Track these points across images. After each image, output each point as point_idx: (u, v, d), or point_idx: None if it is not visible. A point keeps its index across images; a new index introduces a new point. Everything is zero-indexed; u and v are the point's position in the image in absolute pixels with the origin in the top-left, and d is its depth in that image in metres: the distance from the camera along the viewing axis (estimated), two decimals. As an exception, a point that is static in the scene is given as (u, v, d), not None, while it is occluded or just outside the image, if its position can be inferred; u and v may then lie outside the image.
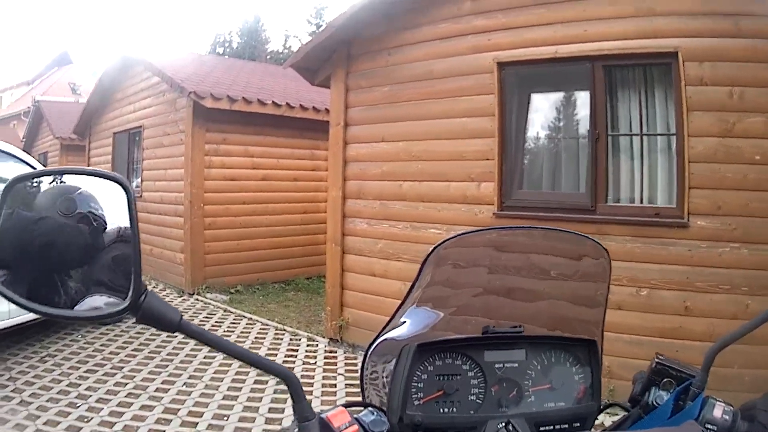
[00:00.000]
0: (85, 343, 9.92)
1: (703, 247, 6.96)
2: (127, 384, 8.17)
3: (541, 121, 8.50)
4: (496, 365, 1.98)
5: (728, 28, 6.88)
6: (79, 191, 1.38)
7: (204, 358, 9.29)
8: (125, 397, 7.74)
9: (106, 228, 1.35)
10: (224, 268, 14.23)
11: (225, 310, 12.42)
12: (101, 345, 9.88)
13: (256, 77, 18.10)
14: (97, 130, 19.88)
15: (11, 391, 7.76)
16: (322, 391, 8.22)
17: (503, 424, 1.81)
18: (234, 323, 11.51)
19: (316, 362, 9.39)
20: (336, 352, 9.82)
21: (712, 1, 7.00)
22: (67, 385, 8.02)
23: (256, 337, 10.62)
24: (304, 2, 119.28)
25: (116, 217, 1.33)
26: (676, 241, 7.10)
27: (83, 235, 1.35)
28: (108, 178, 1.35)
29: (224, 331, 10.85)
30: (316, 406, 7.61)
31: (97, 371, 8.63)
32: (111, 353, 9.47)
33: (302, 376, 8.63)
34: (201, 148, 13.88)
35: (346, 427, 1.45)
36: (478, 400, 1.94)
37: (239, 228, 14.53)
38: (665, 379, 1.89)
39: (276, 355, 9.56)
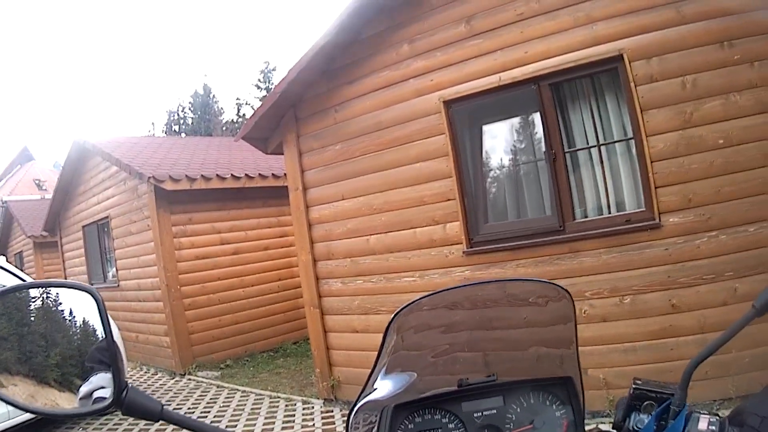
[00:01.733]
0: None
1: (679, 243, 6.88)
2: None
3: (497, 150, 8.41)
4: (475, 414, 1.97)
5: (671, 17, 6.82)
6: (59, 303, 1.44)
7: None
8: None
9: (88, 326, 1.41)
10: (211, 345, 14.09)
11: (218, 386, 12.30)
12: None
13: (213, 152, 18.04)
14: (66, 225, 19.79)
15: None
16: None
17: None
18: (228, 397, 11.38)
19: (314, 424, 9.26)
20: (332, 411, 9.70)
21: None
22: None
23: (252, 408, 10.44)
24: (250, 66, 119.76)
25: (94, 317, 1.40)
26: (652, 242, 7.01)
27: (68, 332, 1.42)
28: (77, 289, 1.41)
29: (220, 406, 10.77)
30: None
31: None
32: None
33: None
34: (168, 230, 13.79)
35: None
36: None
37: (218, 304, 14.39)
38: (646, 402, 1.79)
39: (274, 422, 9.49)
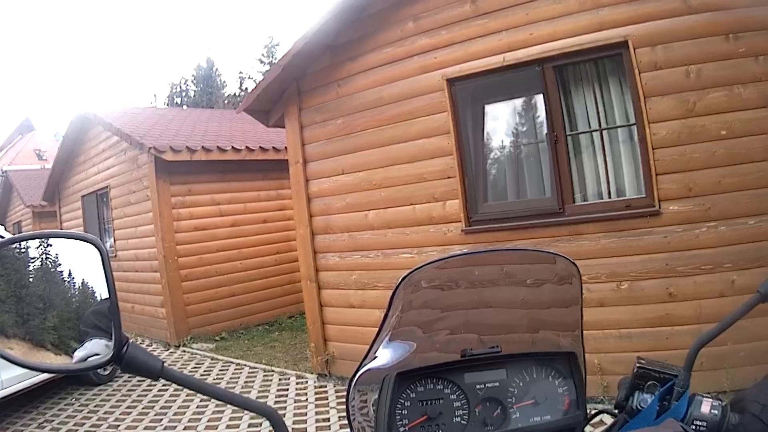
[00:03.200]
0: (79, 406, 9.80)
1: (678, 231, 6.84)
2: None
3: (499, 131, 8.36)
4: (477, 386, 1.96)
5: (677, 6, 6.78)
6: (59, 258, 1.41)
7: (197, 407, 9.20)
8: None
9: (87, 286, 1.38)
10: (206, 317, 14.06)
11: (212, 358, 12.26)
12: (95, 406, 9.76)
13: (214, 124, 17.97)
14: (65, 195, 19.71)
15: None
16: (316, 427, 8.06)
17: None
18: (223, 370, 11.37)
19: (307, 399, 9.23)
20: (326, 387, 9.68)
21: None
22: None
23: (245, 381, 10.45)
24: (255, 41, 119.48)
25: (95, 276, 1.36)
26: (651, 229, 6.97)
27: (67, 294, 1.39)
28: (81, 240, 1.38)
29: (214, 378, 10.74)
30: None
31: None
32: (106, 413, 9.35)
33: (295, 414, 8.58)
34: (168, 201, 13.74)
35: None
36: (462, 422, 1.92)
37: (215, 276, 14.35)
38: (649, 382, 1.79)
39: (267, 396, 9.48)
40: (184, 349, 13.36)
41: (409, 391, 1.93)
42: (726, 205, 6.64)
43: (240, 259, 14.87)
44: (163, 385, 10.42)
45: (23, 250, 1.43)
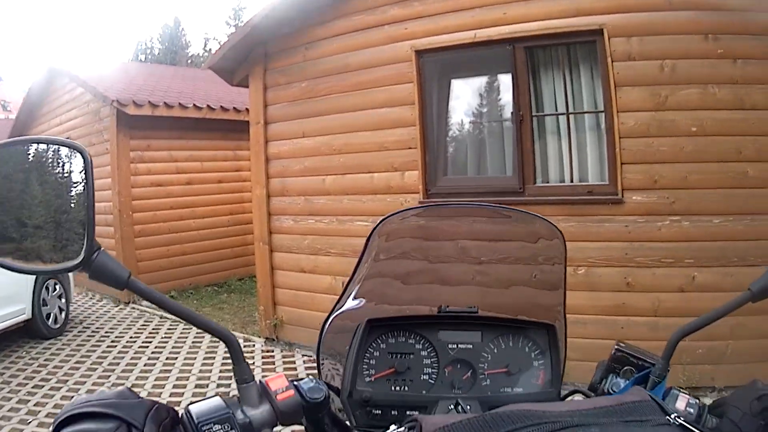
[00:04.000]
0: (29, 359, 9.73)
1: (640, 222, 6.87)
2: (73, 396, 7.88)
3: (464, 106, 8.35)
4: (450, 345, 1.96)
5: (658, 1, 6.78)
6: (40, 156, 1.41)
7: (144, 366, 9.21)
8: None
9: (65, 190, 1.38)
10: (157, 275, 13.88)
11: (161, 317, 12.18)
12: (45, 360, 9.71)
13: (178, 81, 17.87)
14: (27, 145, 19.27)
15: (-41, 413, 7.61)
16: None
17: (453, 405, 1.77)
18: (171, 329, 11.28)
19: (254, 362, 9.24)
20: (273, 351, 9.68)
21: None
22: (16, 402, 7.92)
23: (193, 341, 10.39)
24: (222, 4, 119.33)
25: (73, 181, 1.36)
26: (612, 217, 6.99)
27: (42, 196, 1.37)
28: (66, 146, 1.37)
29: (162, 337, 10.71)
30: None
31: (44, 386, 8.50)
32: (55, 367, 9.32)
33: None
34: (126, 156, 13.64)
35: (283, 391, 1.41)
36: (430, 380, 1.93)
37: (168, 233, 14.29)
38: (626, 367, 1.75)
39: (214, 358, 9.42)
40: (134, 306, 13.29)
41: (379, 341, 1.96)
42: (691, 201, 6.67)
43: (193, 218, 14.82)
44: (112, 342, 10.45)
45: (15, 155, 1.42)
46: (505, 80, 7.83)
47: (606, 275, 7.01)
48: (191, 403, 1.29)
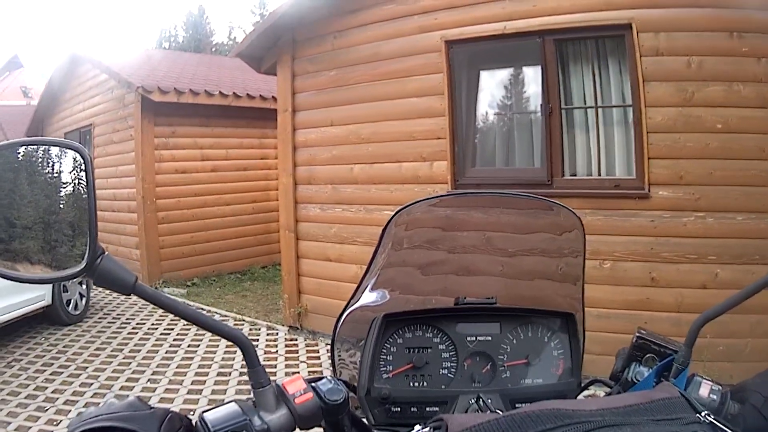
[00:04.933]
0: (48, 345, 9.69)
1: (666, 217, 6.83)
2: (92, 384, 8.01)
3: (493, 97, 8.34)
4: (468, 338, 1.90)
5: None
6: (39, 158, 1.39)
7: (166, 353, 9.18)
8: (91, 397, 7.61)
9: (66, 192, 1.36)
10: (180, 262, 14.02)
11: (183, 303, 12.03)
12: (64, 346, 9.66)
13: (203, 69, 17.85)
14: (49, 131, 19.47)
15: (-22, 398, 7.57)
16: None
17: (474, 399, 1.75)
18: (193, 316, 11.18)
19: (277, 351, 9.25)
20: (296, 340, 9.67)
21: (668, -28, 6.86)
22: (34, 389, 7.86)
23: (215, 329, 10.37)
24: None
25: (75, 184, 1.34)
26: (638, 212, 6.96)
27: (43, 200, 1.36)
28: (67, 147, 1.35)
29: (184, 324, 10.56)
30: None
31: (62, 373, 8.44)
32: (74, 354, 9.26)
33: (264, 365, 8.31)
34: (151, 142, 13.66)
35: (301, 394, 1.37)
36: (449, 374, 1.88)
37: (192, 221, 14.30)
38: (647, 355, 1.74)
39: (236, 348, 9.29)
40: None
41: (396, 336, 1.89)
42: (715, 198, 6.64)
43: (218, 205, 14.82)
44: (133, 329, 10.45)
45: (7, 159, 1.39)
46: (534, 72, 7.81)
47: (631, 269, 7.00)
48: (205, 410, 1.28)
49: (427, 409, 1.80)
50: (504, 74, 8.30)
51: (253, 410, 1.32)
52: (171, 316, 10.90)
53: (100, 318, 11.28)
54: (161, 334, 10.18)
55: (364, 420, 1.65)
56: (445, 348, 1.89)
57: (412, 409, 1.81)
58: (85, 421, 1.13)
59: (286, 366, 8.59)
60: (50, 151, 1.37)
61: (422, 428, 1.23)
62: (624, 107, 7.24)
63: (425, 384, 1.86)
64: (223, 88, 14.70)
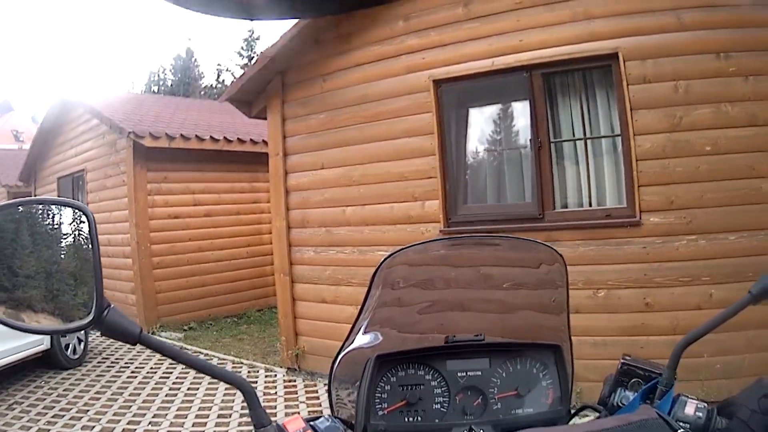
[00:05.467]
0: (48, 389, 9.71)
1: (658, 243, 6.92)
2: (94, 427, 8.02)
3: (482, 134, 8.43)
4: (459, 374, 1.97)
5: (671, 22, 6.85)
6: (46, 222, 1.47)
7: (165, 396, 9.21)
8: None
9: (67, 243, 1.44)
10: (176, 306, 14.02)
11: (181, 348, 12.00)
12: (64, 390, 9.68)
13: (193, 113, 17.97)
14: (42, 176, 19.58)
15: (-19, 443, 7.51)
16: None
17: (466, 430, 1.82)
18: (190, 360, 11.15)
19: (276, 392, 9.26)
20: (295, 381, 9.69)
21: (638, -1, 6.98)
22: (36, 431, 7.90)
23: (214, 374, 10.34)
24: (234, 35, 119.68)
25: (75, 236, 1.42)
26: (630, 239, 7.04)
27: (45, 250, 1.43)
28: (69, 206, 1.43)
29: (182, 369, 10.64)
30: None
31: (64, 416, 8.45)
32: (75, 397, 9.28)
33: (264, 407, 8.31)
34: (143, 187, 13.72)
35: None
36: (442, 409, 1.94)
37: (187, 265, 14.32)
38: (633, 380, 1.81)
39: (235, 392, 9.23)
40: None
41: (390, 375, 1.95)
42: (707, 220, 6.72)
43: (212, 249, 14.87)
44: (132, 372, 10.46)
45: (12, 215, 1.45)
46: (522, 107, 7.90)
47: (625, 297, 7.06)
48: None
49: None
50: (493, 110, 8.39)
51: None
52: (168, 361, 10.99)
53: (99, 362, 11.29)
54: (160, 377, 10.18)
55: None
56: (437, 384, 1.95)
57: None
58: None
59: (286, 407, 8.59)
60: (50, 206, 1.46)
61: None
62: (613, 137, 7.35)
63: (419, 419, 1.92)
64: (213, 132, 14.81)
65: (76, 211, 1.42)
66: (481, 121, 8.46)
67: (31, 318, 1.38)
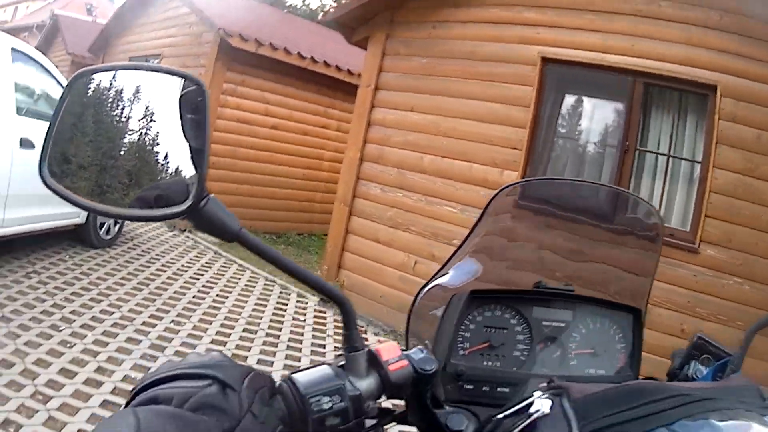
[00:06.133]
0: (72, 264, 9.59)
1: (708, 275, 7.08)
2: (113, 313, 7.91)
3: (572, 122, 8.54)
4: (544, 323, 1.88)
5: (765, 73, 7.01)
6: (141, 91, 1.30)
7: (193, 297, 9.17)
8: (111, 326, 7.48)
9: (177, 130, 1.27)
10: (220, 209, 13.93)
11: (215, 252, 12.21)
12: (89, 268, 9.57)
13: (284, 27, 17.96)
14: (112, 52, 19.58)
15: (-9, 305, 7.45)
16: (311, 350, 8.17)
17: (546, 382, 1.58)
18: (224, 267, 11.28)
19: (305, 320, 9.26)
20: (326, 313, 9.68)
21: (750, 44, 7.11)
22: (51, 306, 7.72)
23: (245, 285, 10.40)
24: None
25: (182, 116, 1.27)
26: (684, 264, 7.18)
27: (143, 135, 1.28)
28: (183, 77, 1.27)
29: (214, 273, 10.69)
30: (305, 364, 7.54)
31: (83, 295, 8.33)
32: (99, 278, 9.17)
33: (291, 332, 8.63)
34: (219, 86, 13.77)
35: (395, 361, 1.32)
36: (522, 357, 1.85)
37: (241, 172, 14.32)
38: (704, 356, 1.84)
39: (265, 306, 9.44)
40: (189, 234, 13.40)
41: (476, 314, 1.84)
42: (757, 268, 6.88)
43: (271, 163, 14.86)
44: (162, 265, 10.49)
45: (112, 81, 1.32)
46: (617, 108, 8.06)
47: (665, 317, 7.14)
48: (294, 371, 1.22)
49: (498, 389, 1.77)
50: (589, 102, 8.52)
51: (344, 374, 1.27)
52: (201, 262, 11.06)
53: (129, 248, 11.25)
54: (190, 277, 10.24)
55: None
56: (521, 330, 1.86)
57: (484, 388, 1.77)
58: (163, 371, 1.12)
59: (313, 337, 8.63)
60: (161, 82, 1.31)
61: (542, 394, 1.25)
62: (693, 161, 7.51)
63: (498, 364, 1.82)
64: (302, 49, 14.80)
65: (188, 83, 1.27)
66: (574, 110, 8.58)
67: (115, 202, 1.28)
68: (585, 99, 8.54)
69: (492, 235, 2.02)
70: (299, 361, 7.81)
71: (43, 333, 6.85)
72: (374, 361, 1.31)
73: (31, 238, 9.58)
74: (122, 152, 1.29)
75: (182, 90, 1.27)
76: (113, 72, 1.32)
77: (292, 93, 15.07)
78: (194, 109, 1.25)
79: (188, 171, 1.22)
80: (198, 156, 1.21)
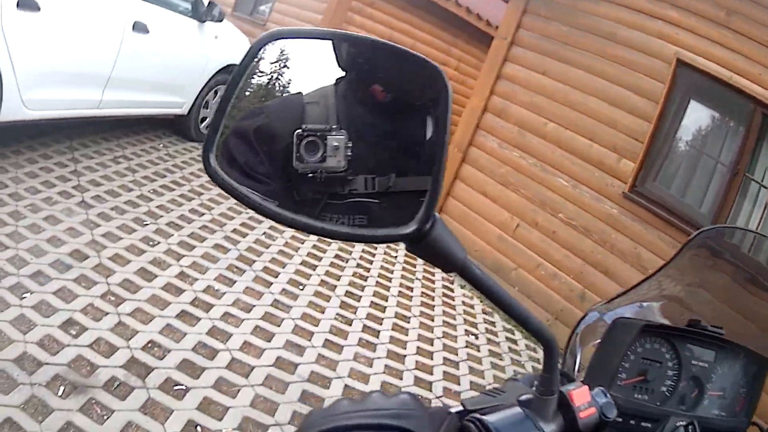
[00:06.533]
0: (165, 155, 9.37)
1: None
2: (203, 214, 7.72)
3: (693, 129, 8.64)
4: (693, 361, 1.93)
5: None
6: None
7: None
8: (199, 228, 7.29)
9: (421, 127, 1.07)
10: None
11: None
12: (183, 162, 9.34)
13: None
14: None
15: (73, 187, 7.06)
16: (399, 291, 8.13)
17: (685, 423, 1.75)
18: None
19: (396, 259, 9.18)
20: (416, 259, 9.32)
21: None
22: (137, 197, 7.46)
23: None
24: None
25: (416, 112, 1.09)
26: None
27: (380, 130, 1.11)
28: (420, 62, 1.07)
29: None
30: (391, 305, 7.55)
31: (174, 190, 8.12)
32: (192, 174, 8.93)
33: (381, 268, 8.62)
34: (348, 2, 13.96)
35: (585, 408, 1.30)
36: (667, 393, 1.90)
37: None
38: None
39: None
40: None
41: (637, 345, 1.88)
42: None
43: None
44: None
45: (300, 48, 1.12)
46: (736, 129, 8.13)
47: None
48: (479, 410, 1.20)
49: (642, 423, 1.80)
50: (710, 114, 8.58)
51: (534, 418, 1.23)
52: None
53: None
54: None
55: None
56: (672, 366, 1.91)
57: (631, 421, 1.79)
58: (352, 413, 1.06)
59: (402, 278, 8.57)
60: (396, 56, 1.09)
61: None
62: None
63: (646, 398, 1.87)
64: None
65: (425, 68, 1.05)
66: (696, 117, 8.63)
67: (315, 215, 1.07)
68: (707, 111, 8.60)
69: (681, 274, 2.11)
70: (387, 290, 7.95)
71: (124, 226, 6.65)
72: (565, 407, 1.28)
73: (126, 122, 9.44)
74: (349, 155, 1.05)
75: (416, 77, 1.09)
76: (324, 41, 1.12)
77: (416, 23, 14.99)
78: (431, 104, 1.06)
79: (413, 180, 1.05)
80: (433, 163, 1.01)
